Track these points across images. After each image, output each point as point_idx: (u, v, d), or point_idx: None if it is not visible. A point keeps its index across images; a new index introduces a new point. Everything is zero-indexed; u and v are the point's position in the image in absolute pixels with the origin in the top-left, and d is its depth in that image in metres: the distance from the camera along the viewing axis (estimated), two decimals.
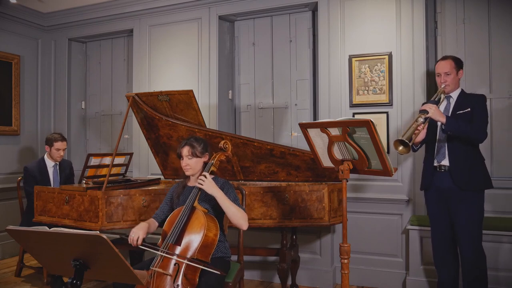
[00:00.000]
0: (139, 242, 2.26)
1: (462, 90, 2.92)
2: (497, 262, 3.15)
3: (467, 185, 2.75)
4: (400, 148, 2.45)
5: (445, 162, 2.83)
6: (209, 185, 2.32)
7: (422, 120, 2.63)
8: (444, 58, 2.91)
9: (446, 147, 2.82)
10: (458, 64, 2.88)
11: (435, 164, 2.87)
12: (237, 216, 2.33)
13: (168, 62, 4.53)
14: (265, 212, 3.07)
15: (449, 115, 2.82)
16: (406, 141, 2.44)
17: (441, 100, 2.88)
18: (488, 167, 3.04)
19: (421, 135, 2.80)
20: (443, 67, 2.85)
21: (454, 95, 2.90)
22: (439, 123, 2.81)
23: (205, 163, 2.52)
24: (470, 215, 2.76)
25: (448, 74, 2.83)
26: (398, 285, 3.55)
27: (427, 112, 2.65)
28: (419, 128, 2.64)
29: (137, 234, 2.29)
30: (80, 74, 5.37)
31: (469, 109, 2.79)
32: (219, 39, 4.28)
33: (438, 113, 2.66)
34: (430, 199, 2.95)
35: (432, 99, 2.84)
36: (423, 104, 2.81)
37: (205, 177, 2.33)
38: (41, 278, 3.86)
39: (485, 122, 2.79)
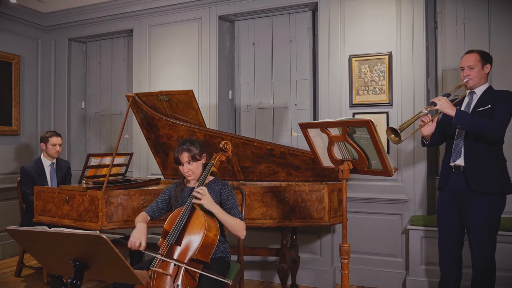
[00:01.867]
0: (142, 248, 2.24)
1: (490, 87, 2.70)
2: None
3: (481, 187, 2.57)
4: (392, 136, 2.40)
5: (460, 161, 2.66)
6: (207, 201, 2.29)
7: (425, 111, 2.54)
8: (470, 51, 2.72)
9: (463, 145, 2.65)
10: (485, 57, 2.67)
11: (451, 163, 2.71)
12: (236, 228, 2.36)
13: (168, 62, 4.53)
14: (265, 212, 3.07)
15: (469, 112, 2.64)
16: (397, 130, 2.38)
17: (465, 96, 2.73)
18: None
19: (429, 128, 2.67)
20: (467, 60, 2.67)
21: (479, 91, 2.68)
22: None
23: (204, 165, 2.52)
24: (481, 219, 2.58)
25: (471, 68, 2.64)
26: (398, 285, 3.55)
27: (435, 104, 2.53)
28: (423, 120, 2.57)
29: (139, 239, 2.26)
30: (80, 74, 5.37)
31: (489, 105, 2.57)
32: (219, 39, 4.28)
33: (446, 105, 2.51)
34: (441, 200, 2.80)
35: (449, 92, 2.70)
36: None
37: (201, 191, 2.29)
38: (41, 278, 3.87)
39: (504, 119, 2.55)
